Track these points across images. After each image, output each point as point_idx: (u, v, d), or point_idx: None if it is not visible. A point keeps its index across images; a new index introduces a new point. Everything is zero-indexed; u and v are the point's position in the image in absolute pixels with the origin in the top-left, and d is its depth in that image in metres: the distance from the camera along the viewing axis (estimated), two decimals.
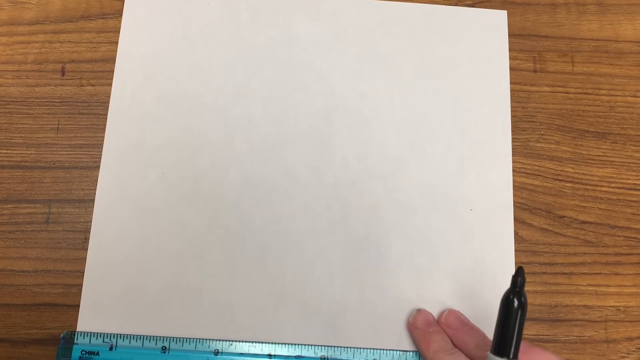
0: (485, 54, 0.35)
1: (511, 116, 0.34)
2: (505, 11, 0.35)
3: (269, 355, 0.30)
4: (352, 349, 0.30)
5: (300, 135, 0.33)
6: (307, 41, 0.35)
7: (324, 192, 0.32)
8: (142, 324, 0.30)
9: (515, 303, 0.24)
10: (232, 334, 0.30)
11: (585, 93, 0.35)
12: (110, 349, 0.29)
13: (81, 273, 0.31)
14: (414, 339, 0.30)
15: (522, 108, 0.34)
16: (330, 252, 0.31)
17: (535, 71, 0.35)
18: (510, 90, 0.34)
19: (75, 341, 0.29)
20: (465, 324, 0.29)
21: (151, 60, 0.34)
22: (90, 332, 0.30)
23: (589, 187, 0.33)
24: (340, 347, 0.30)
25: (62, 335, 0.30)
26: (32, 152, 0.32)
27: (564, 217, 0.33)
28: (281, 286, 0.31)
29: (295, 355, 0.30)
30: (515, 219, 0.32)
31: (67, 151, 0.33)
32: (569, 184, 0.33)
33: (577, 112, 0.34)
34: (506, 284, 0.25)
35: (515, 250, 0.32)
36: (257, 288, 0.31)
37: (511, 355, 0.23)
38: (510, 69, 0.35)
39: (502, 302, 0.24)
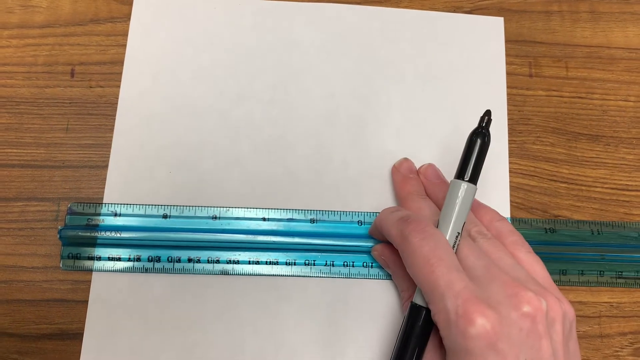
0: (482, 59, 0.36)
1: (508, 119, 0.35)
2: (502, 18, 0.37)
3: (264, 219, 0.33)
4: (339, 212, 0.33)
5: (301, 137, 0.34)
6: (308, 45, 0.36)
7: (325, 193, 0.33)
8: (149, 319, 0.31)
9: (479, 141, 0.27)
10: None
11: (579, 97, 0.36)
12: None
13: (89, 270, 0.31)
14: (394, 181, 0.33)
15: (519, 111, 0.35)
16: None
17: (531, 76, 0.36)
18: (507, 94, 0.35)
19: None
20: (439, 178, 0.32)
21: (158, 62, 0.35)
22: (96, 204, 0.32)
23: (583, 187, 0.34)
24: (328, 210, 0.33)
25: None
26: (42, 151, 0.33)
27: (559, 216, 0.34)
28: None
29: (287, 217, 0.32)
30: (511, 218, 0.33)
31: (76, 151, 0.33)
32: (564, 185, 0.34)
33: (571, 116, 0.35)
34: None
35: None
36: None
37: (467, 178, 0.27)
38: (507, 73, 0.36)
39: (468, 139, 0.28)
